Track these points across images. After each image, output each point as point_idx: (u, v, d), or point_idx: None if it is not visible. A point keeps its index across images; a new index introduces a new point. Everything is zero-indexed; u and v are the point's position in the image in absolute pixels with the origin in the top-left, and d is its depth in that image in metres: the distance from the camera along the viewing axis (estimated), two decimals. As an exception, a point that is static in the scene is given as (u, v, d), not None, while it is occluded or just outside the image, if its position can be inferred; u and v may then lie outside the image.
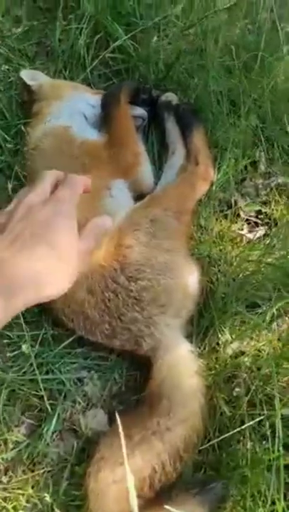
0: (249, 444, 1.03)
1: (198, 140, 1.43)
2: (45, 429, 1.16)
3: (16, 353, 1.22)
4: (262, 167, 1.49)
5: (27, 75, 1.51)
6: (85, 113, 1.47)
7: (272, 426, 1.02)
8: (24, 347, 1.19)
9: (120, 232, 1.20)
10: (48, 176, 0.91)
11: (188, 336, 1.22)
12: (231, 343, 1.18)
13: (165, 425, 1.06)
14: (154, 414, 1.08)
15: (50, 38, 1.67)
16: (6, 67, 1.61)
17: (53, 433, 1.18)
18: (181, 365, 1.13)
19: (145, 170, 1.43)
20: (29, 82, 1.50)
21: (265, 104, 1.50)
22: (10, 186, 1.39)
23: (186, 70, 1.58)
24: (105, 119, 1.43)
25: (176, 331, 1.19)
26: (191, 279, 1.21)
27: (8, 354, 1.22)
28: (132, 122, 1.44)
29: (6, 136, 1.46)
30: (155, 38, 1.63)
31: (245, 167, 1.49)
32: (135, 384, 1.24)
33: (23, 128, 1.46)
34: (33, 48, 1.69)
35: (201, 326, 1.22)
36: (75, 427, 1.19)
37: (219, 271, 1.27)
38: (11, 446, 1.16)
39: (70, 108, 1.46)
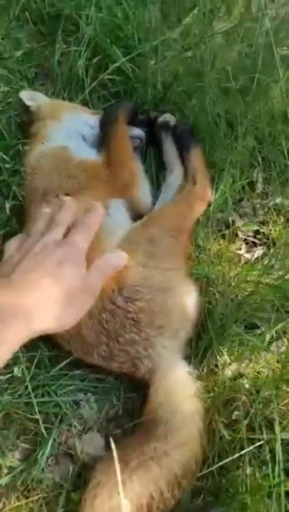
0: (249, 470, 1.00)
1: (196, 160, 1.43)
2: (41, 454, 1.13)
3: (10, 374, 1.19)
4: (259, 187, 1.50)
5: (26, 96, 1.53)
6: (84, 133, 1.48)
7: (273, 451, 0.99)
8: (17, 370, 1.17)
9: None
10: (65, 216, 1.00)
11: (187, 358, 1.20)
12: (230, 364, 1.16)
13: (163, 450, 1.03)
14: (152, 439, 1.05)
15: (49, 60, 1.70)
16: (6, 88, 1.62)
17: (48, 458, 1.15)
18: (179, 388, 1.11)
19: (143, 189, 1.43)
20: (28, 103, 1.51)
21: (262, 125, 1.51)
22: (8, 206, 1.39)
23: (184, 91, 1.59)
24: (103, 139, 1.44)
25: (174, 353, 1.17)
26: (189, 299, 1.20)
27: (1, 377, 1.19)
28: (129, 142, 1.45)
29: (4, 156, 1.46)
30: (153, 61, 1.66)
31: (243, 187, 1.50)
32: (133, 407, 1.22)
33: (21, 148, 1.47)
34: (33, 70, 1.71)
35: (199, 348, 1.21)
36: (70, 452, 1.16)
37: (217, 291, 1.26)
38: (5, 471, 1.13)
39: (69, 128, 1.47)
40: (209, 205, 1.39)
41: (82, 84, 1.63)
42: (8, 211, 1.39)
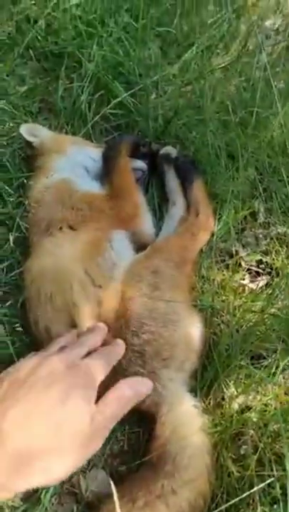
0: (259, 509, 0.97)
1: (198, 191, 1.45)
2: (44, 493, 1.10)
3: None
4: (261, 217, 1.51)
5: (27, 131, 1.54)
6: (87, 166, 1.50)
7: (284, 487, 0.96)
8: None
9: (123, 285, 1.19)
10: (94, 340, 0.93)
11: (192, 390, 1.18)
12: (237, 397, 1.14)
13: (170, 488, 1.01)
14: (159, 476, 1.03)
15: (53, 96, 1.74)
16: (11, 124, 1.65)
17: (51, 497, 1.11)
18: (186, 422, 1.09)
19: (146, 221, 1.44)
20: (29, 139, 1.53)
21: (263, 156, 1.54)
22: (11, 238, 1.40)
23: (185, 124, 1.63)
24: (106, 172, 1.46)
25: (180, 386, 1.15)
26: (194, 331, 1.19)
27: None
28: (131, 174, 1.47)
29: (8, 188, 1.48)
30: (154, 95, 1.70)
31: (245, 217, 1.51)
32: (138, 442, 1.19)
33: (25, 181, 1.49)
34: (37, 105, 1.75)
35: (204, 380, 1.19)
36: (74, 490, 1.13)
37: (222, 322, 1.26)
38: (6, 511, 1.09)
39: (72, 162, 1.49)
40: (212, 235, 1.40)
41: (84, 119, 1.66)
42: (11, 243, 1.39)
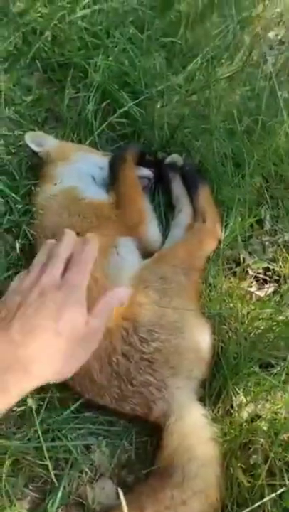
0: (271, 519, 0.95)
1: (204, 198, 1.45)
2: (50, 504, 1.08)
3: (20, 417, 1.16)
4: (268, 225, 1.51)
5: (32, 140, 1.55)
6: (93, 174, 1.51)
7: (295, 498, 0.95)
8: (29, 412, 1.13)
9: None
10: (64, 248, 0.96)
11: (201, 399, 1.17)
12: (246, 405, 1.13)
13: (180, 498, 0.99)
14: (168, 487, 1.01)
15: (59, 105, 1.75)
16: (18, 132, 1.67)
17: (58, 508, 1.09)
18: (194, 432, 1.07)
19: (152, 228, 1.44)
20: (35, 149, 1.54)
21: (268, 164, 1.54)
22: (18, 246, 1.39)
23: (190, 133, 1.64)
24: (112, 179, 1.46)
25: (189, 394, 1.14)
26: (202, 338, 1.18)
27: (14, 418, 1.16)
28: (137, 182, 1.48)
29: (15, 196, 1.48)
30: (159, 104, 1.71)
31: (252, 225, 1.51)
32: (146, 452, 1.17)
33: (32, 188, 1.50)
34: (43, 114, 1.76)
35: (213, 388, 1.18)
36: (82, 501, 1.11)
37: (230, 329, 1.25)
38: (13, 521, 1.07)
39: (78, 170, 1.50)
40: (219, 242, 1.40)
41: (90, 128, 1.67)
42: (18, 251, 1.39)
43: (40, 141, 1.56)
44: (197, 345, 1.17)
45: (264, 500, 0.94)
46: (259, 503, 0.94)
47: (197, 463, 1.03)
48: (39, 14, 1.89)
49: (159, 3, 2.01)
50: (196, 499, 1.00)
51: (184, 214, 1.46)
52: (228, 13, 1.98)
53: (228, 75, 1.80)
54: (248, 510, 0.92)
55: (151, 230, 1.44)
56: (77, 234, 1.30)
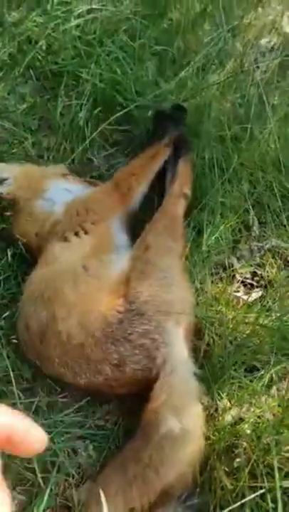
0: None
1: (181, 165, 1.53)
2: (37, 506, 1.10)
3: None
4: (255, 230, 1.53)
5: None
6: (68, 192, 1.51)
7: (275, 499, 0.96)
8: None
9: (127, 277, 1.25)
10: None
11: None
12: (230, 409, 1.14)
13: (159, 458, 1.04)
14: (148, 446, 1.06)
15: (52, 113, 1.78)
16: (11, 140, 1.70)
17: (44, 510, 1.11)
18: (184, 389, 1.12)
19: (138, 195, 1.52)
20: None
21: (256, 171, 1.56)
22: (10, 252, 1.42)
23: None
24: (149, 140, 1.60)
25: (182, 341, 1.19)
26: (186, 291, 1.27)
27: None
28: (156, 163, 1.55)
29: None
30: (150, 112, 1.74)
31: (240, 230, 1.53)
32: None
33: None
34: (36, 122, 1.79)
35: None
36: (68, 503, 1.13)
37: (216, 333, 1.26)
38: (-1, 524, 1.09)
39: (53, 200, 1.49)
40: (188, 200, 1.46)
41: (83, 135, 1.70)
42: (9, 257, 1.42)
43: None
44: (184, 295, 1.26)
45: (244, 500, 0.96)
46: (239, 503, 0.95)
47: (180, 422, 1.07)
48: (34, 24, 1.92)
49: (152, 12, 2.04)
50: (176, 459, 1.05)
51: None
52: (219, 21, 2.00)
53: (218, 82, 1.83)
54: (229, 508, 0.93)
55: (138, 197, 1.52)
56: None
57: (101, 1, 1.98)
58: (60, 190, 1.50)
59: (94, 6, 1.96)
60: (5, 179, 1.48)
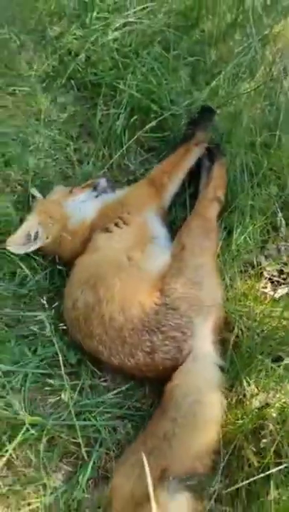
0: (275, 493, 1.07)
1: (216, 170, 1.63)
2: (81, 476, 1.23)
3: (57, 400, 1.32)
4: (282, 231, 1.62)
5: (23, 243, 1.51)
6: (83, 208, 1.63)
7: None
8: (64, 395, 1.29)
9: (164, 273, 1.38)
10: None
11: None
12: (257, 394, 1.25)
13: (172, 431, 1.16)
14: (164, 420, 1.19)
15: (91, 121, 1.91)
16: (54, 146, 1.84)
17: (88, 480, 1.24)
18: (203, 374, 1.25)
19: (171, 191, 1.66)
20: (33, 247, 1.52)
21: (284, 175, 1.66)
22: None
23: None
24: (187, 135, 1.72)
25: (208, 335, 1.32)
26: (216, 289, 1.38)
27: (50, 400, 1.33)
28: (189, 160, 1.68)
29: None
30: (184, 120, 1.85)
31: (268, 231, 1.63)
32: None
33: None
34: (77, 130, 1.93)
35: (227, 379, 1.30)
36: (108, 475, 1.25)
37: (244, 326, 1.37)
38: (49, 491, 1.22)
39: (75, 210, 1.63)
40: (222, 203, 1.56)
41: (120, 142, 1.82)
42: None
43: (28, 236, 1.53)
44: (213, 292, 1.37)
45: (270, 471, 1.06)
46: (264, 475, 1.06)
47: (195, 404, 1.19)
48: (74, 36, 2.06)
49: (185, 23, 2.15)
50: (191, 434, 1.17)
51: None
52: (250, 31, 2.09)
53: (249, 90, 1.92)
54: (254, 478, 1.03)
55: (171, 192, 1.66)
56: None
57: (136, 15, 2.10)
58: (77, 203, 1.64)
59: (130, 20, 2.09)
60: (36, 232, 1.53)
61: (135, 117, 1.83)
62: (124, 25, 2.08)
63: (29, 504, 1.20)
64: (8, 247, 1.46)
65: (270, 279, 1.54)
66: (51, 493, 1.22)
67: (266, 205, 1.63)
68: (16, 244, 1.48)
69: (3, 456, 1.22)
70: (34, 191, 1.68)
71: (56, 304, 1.46)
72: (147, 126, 1.76)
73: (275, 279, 1.54)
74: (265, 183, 1.64)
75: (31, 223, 1.53)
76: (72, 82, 2.00)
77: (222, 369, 1.28)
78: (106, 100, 1.94)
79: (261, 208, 1.60)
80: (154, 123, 1.77)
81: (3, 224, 1.53)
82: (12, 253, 1.50)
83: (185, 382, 1.23)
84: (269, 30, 2.15)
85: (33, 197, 1.67)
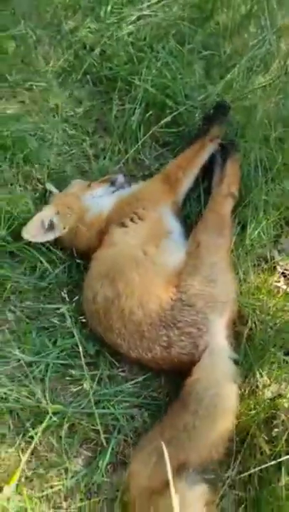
0: (286, 479, 1.12)
1: (229, 166, 1.66)
2: (101, 461, 1.30)
3: (77, 389, 1.39)
4: (296, 225, 1.65)
5: (40, 230, 1.56)
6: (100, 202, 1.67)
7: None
8: (85, 384, 1.35)
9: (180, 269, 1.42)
10: None
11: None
12: (270, 385, 1.29)
13: (192, 424, 1.21)
14: (184, 413, 1.24)
15: (107, 116, 1.94)
16: (70, 141, 1.88)
17: (107, 465, 1.31)
18: (219, 369, 1.29)
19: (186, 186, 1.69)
20: (51, 236, 1.57)
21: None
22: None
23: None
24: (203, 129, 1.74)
25: (222, 330, 1.35)
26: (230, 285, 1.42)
27: (71, 389, 1.39)
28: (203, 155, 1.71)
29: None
30: (198, 114, 1.87)
31: (281, 226, 1.66)
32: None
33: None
34: (93, 124, 1.96)
35: (241, 370, 1.34)
36: (126, 460, 1.32)
37: (258, 319, 1.41)
38: (70, 475, 1.29)
39: (92, 204, 1.66)
40: (235, 199, 1.59)
41: (135, 136, 1.85)
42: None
43: (42, 225, 1.57)
44: (227, 288, 1.40)
45: (281, 459, 1.11)
46: (275, 462, 1.12)
47: (214, 397, 1.24)
48: (89, 30, 2.07)
49: (199, 16, 2.15)
50: (208, 426, 1.21)
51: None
52: (264, 23, 2.09)
53: (263, 84, 1.93)
54: (267, 465, 1.09)
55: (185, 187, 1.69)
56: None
57: (151, 8, 2.11)
58: (95, 198, 1.68)
59: (144, 13, 2.10)
60: (50, 222, 1.57)
61: (150, 112, 1.86)
62: (139, 18, 2.09)
63: (52, 487, 1.27)
64: (24, 236, 1.51)
65: (283, 273, 1.57)
66: (72, 477, 1.29)
67: (280, 199, 1.65)
68: (31, 233, 1.52)
69: (29, 442, 1.29)
70: (50, 186, 1.73)
71: (76, 297, 1.51)
72: (162, 121, 1.79)
73: (288, 273, 1.57)
74: (279, 178, 1.66)
75: (46, 213, 1.58)
76: (88, 76, 2.03)
77: (236, 362, 1.31)
78: (121, 95, 1.96)
79: (275, 203, 1.63)
80: (168, 118, 1.80)
81: (24, 221, 1.58)
82: (32, 247, 1.56)
83: (205, 376, 1.27)
84: (284, 22, 2.14)
85: (50, 192, 1.72)
